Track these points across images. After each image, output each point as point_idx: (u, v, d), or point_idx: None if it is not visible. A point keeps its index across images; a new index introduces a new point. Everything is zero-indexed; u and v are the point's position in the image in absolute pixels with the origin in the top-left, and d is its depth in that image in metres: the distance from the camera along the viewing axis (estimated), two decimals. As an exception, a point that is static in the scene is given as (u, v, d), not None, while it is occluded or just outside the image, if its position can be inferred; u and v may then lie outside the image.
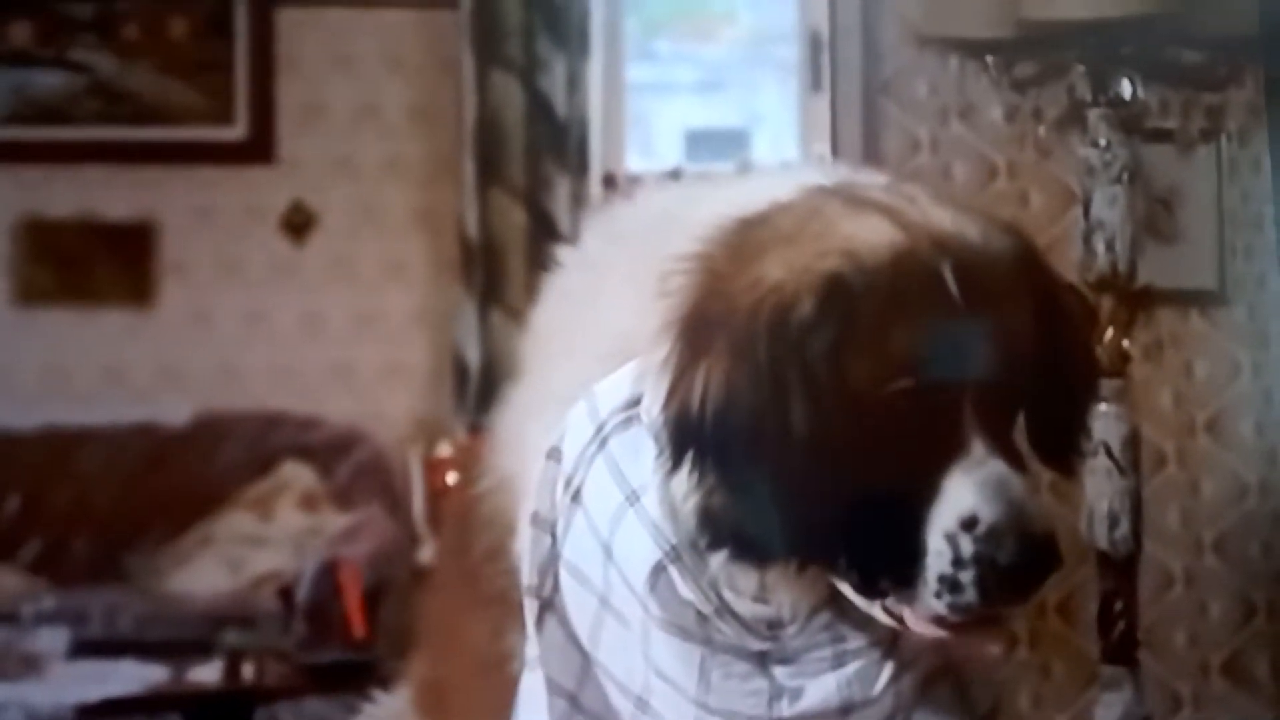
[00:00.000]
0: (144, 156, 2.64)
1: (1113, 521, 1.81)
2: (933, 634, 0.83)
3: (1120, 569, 1.83)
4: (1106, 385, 1.87)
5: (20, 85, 2.67)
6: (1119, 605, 1.82)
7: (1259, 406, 2.01)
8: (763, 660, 0.89)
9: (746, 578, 0.86)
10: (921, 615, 0.83)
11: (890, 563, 0.83)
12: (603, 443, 0.90)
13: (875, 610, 0.84)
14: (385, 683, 1.23)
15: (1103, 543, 1.81)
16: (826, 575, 0.84)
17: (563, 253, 1.03)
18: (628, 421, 0.89)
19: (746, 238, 0.89)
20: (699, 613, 0.88)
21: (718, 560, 0.86)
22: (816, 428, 0.86)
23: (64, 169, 2.65)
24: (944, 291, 0.84)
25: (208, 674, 2.09)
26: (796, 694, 0.89)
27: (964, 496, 0.82)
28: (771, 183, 0.96)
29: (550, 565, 0.94)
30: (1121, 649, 1.81)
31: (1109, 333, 1.88)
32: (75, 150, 2.65)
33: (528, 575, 0.95)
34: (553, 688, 0.94)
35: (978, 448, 0.83)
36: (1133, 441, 1.82)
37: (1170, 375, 2.03)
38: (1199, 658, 1.98)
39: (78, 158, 2.65)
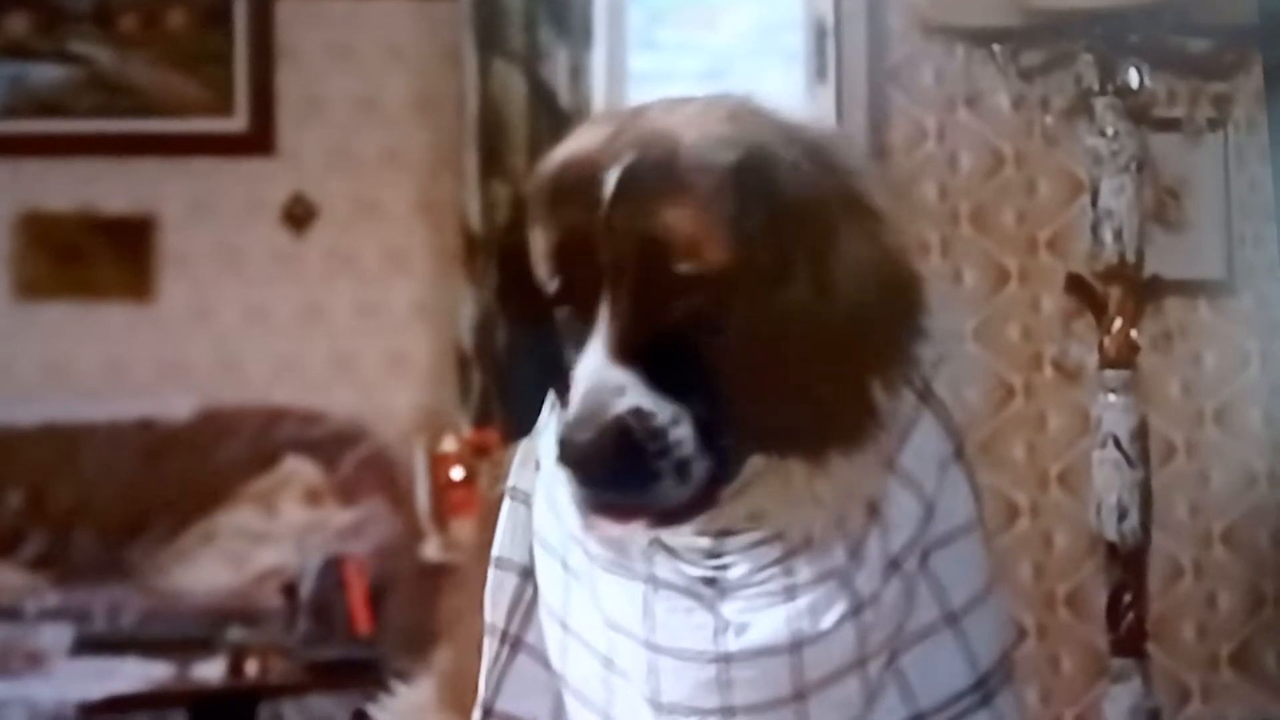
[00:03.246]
0: (143, 149, 2.63)
1: (1121, 513, 1.81)
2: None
3: (1129, 560, 1.83)
4: (1114, 376, 1.86)
5: (18, 78, 2.65)
6: (1128, 597, 1.82)
7: (1268, 396, 2.00)
8: (707, 595, 0.89)
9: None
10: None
11: None
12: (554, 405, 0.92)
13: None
14: (391, 678, 1.23)
15: (1111, 534, 1.80)
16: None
17: None
18: None
19: None
20: (637, 545, 0.89)
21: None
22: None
23: (62, 162, 2.64)
24: (592, 189, 0.83)
25: (211, 671, 2.08)
26: (743, 628, 0.88)
27: (574, 389, 0.83)
28: None
29: (528, 538, 0.94)
30: (1130, 641, 1.81)
31: (1117, 323, 1.87)
32: (74, 143, 2.63)
33: (505, 549, 0.95)
34: (549, 665, 0.95)
35: (596, 343, 0.83)
36: (1141, 432, 1.82)
37: (1179, 366, 2.02)
38: (1208, 649, 1.98)
39: (76, 150, 2.63)
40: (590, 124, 0.89)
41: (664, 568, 0.89)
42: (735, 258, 0.83)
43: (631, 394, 0.83)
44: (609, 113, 0.90)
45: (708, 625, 0.88)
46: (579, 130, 0.90)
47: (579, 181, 0.85)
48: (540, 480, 0.94)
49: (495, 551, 0.96)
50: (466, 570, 1.11)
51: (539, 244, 0.85)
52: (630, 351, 0.83)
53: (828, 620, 0.87)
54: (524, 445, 0.95)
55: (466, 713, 1.04)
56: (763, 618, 0.88)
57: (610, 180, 0.84)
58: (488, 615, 0.96)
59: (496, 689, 0.95)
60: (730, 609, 0.88)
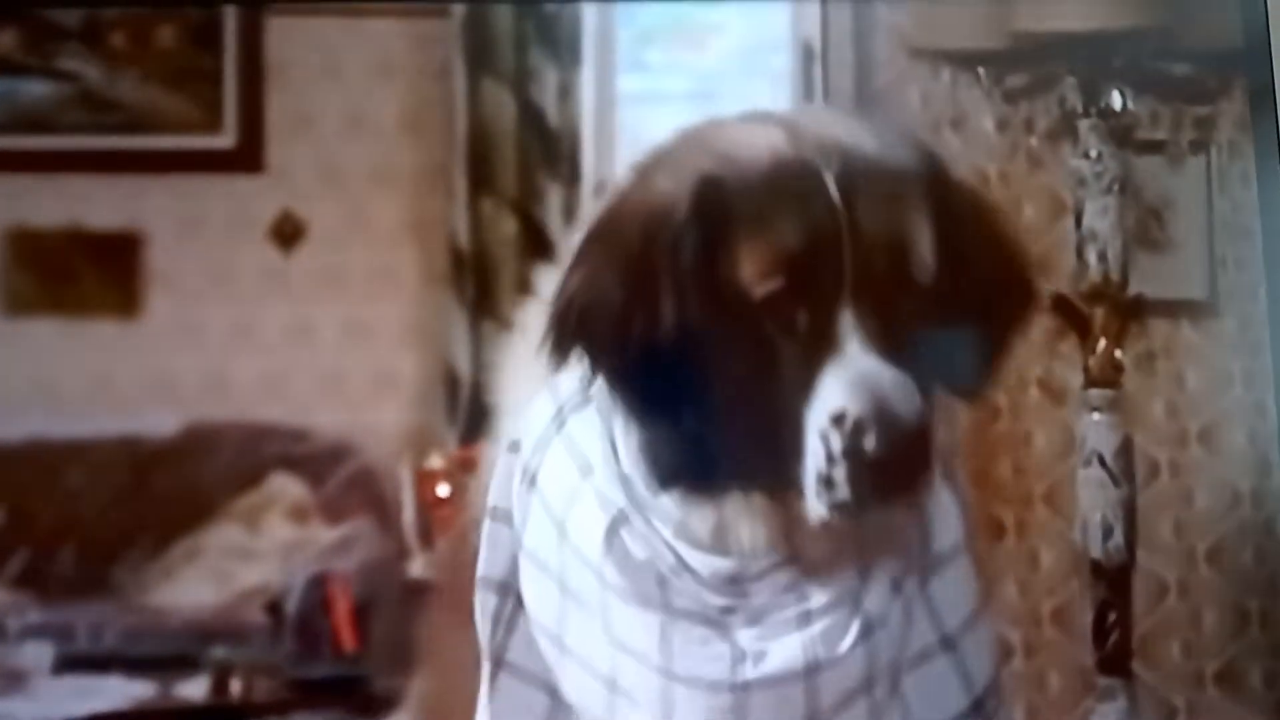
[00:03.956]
0: (131, 165, 2.63)
1: (1106, 531, 1.83)
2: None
3: (1114, 579, 1.85)
4: (1099, 396, 1.89)
5: (6, 94, 2.65)
6: (1113, 615, 1.84)
7: (1251, 416, 2.03)
8: (725, 624, 0.89)
9: (701, 520, 0.86)
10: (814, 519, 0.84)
11: (780, 464, 0.81)
12: (561, 424, 0.91)
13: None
14: (377, 696, 1.22)
15: (1096, 553, 1.82)
16: (769, 498, 0.84)
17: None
18: (585, 400, 0.90)
19: (655, 156, 0.89)
20: (658, 574, 0.88)
21: (671, 506, 0.86)
22: (688, 323, 0.87)
23: (50, 178, 2.63)
24: (822, 193, 0.85)
25: (195, 689, 2.08)
26: (760, 656, 0.90)
27: (834, 393, 0.83)
28: None
29: (513, 557, 0.94)
30: (1116, 659, 1.82)
31: (1101, 343, 1.90)
32: (62, 159, 2.63)
33: (485, 567, 0.94)
34: (532, 680, 0.94)
35: (852, 345, 0.84)
36: (1125, 451, 1.85)
37: (1163, 385, 2.04)
38: (1193, 667, 1.99)
39: (64, 167, 2.63)
40: (741, 123, 0.90)
41: (682, 596, 0.89)
42: (938, 266, 0.85)
43: (915, 394, 0.82)
44: (747, 118, 0.90)
45: (725, 655, 0.88)
46: (728, 124, 0.90)
47: (796, 186, 0.86)
48: (541, 498, 0.94)
49: (479, 572, 0.96)
50: (442, 589, 1.12)
51: (757, 245, 0.85)
52: (895, 351, 0.83)
53: (843, 645, 0.87)
54: (503, 462, 0.95)
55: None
56: (779, 645, 0.88)
57: (831, 186, 0.82)
58: (480, 636, 0.96)
59: (488, 711, 0.95)
60: (747, 636, 0.88)
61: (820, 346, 0.84)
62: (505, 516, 1.00)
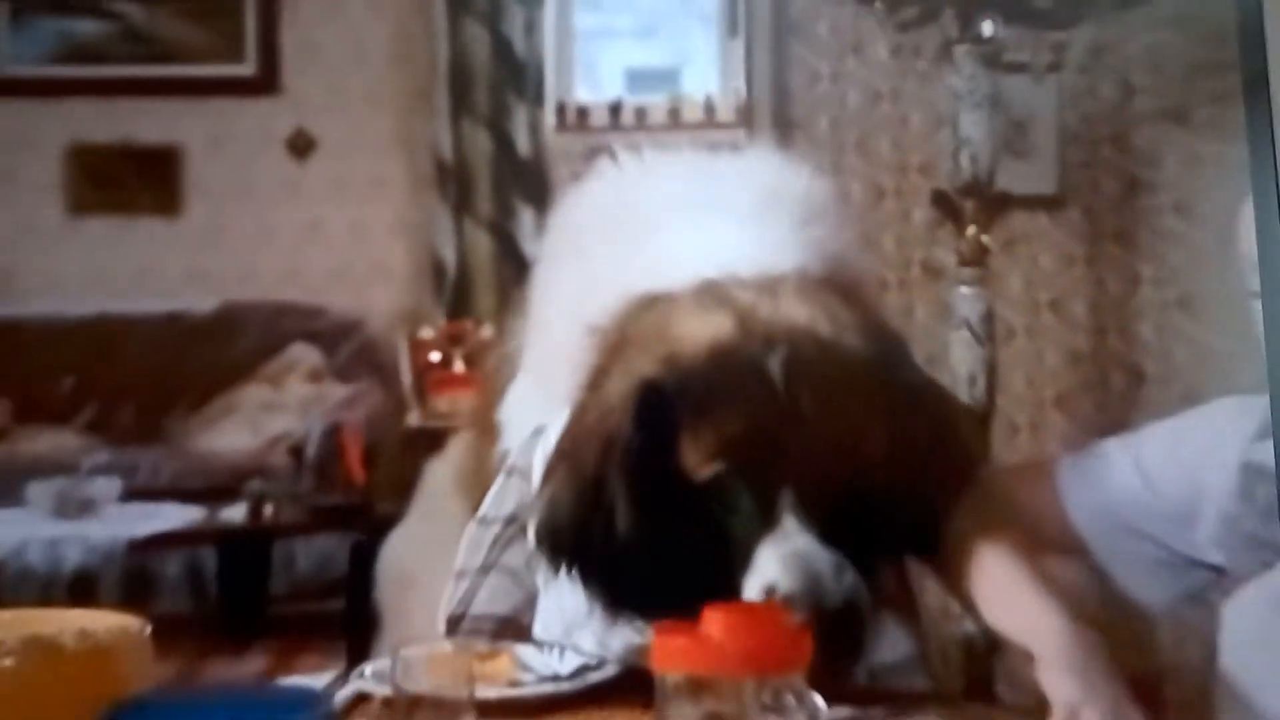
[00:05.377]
0: (170, 90, 2.89)
1: (971, 382, 2.18)
2: None
3: (979, 421, 2.19)
4: (969, 273, 2.24)
5: (63, 31, 2.92)
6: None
7: (1092, 290, 2.39)
8: None
9: None
10: None
11: None
12: None
13: None
14: (380, 520, 1.56)
15: (965, 399, 2.17)
16: None
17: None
18: None
19: (619, 343, 0.89)
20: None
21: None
22: (639, 525, 0.85)
23: (103, 102, 2.89)
24: (763, 379, 0.83)
25: (235, 514, 2.43)
26: None
27: (768, 568, 0.83)
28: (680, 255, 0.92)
29: (522, 502, 1.00)
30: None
31: (972, 230, 2.25)
32: (112, 86, 2.88)
33: (493, 509, 1.00)
34: (521, 583, 1.03)
35: (789, 523, 0.83)
36: (989, 318, 2.20)
37: (1020, 264, 2.40)
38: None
39: (114, 92, 2.89)
40: (695, 309, 0.86)
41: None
42: (890, 443, 0.84)
43: (849, 573, 0.82)
44: (698, 294, 0.86)
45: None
46: (682, 310, 0.85)
47: (739, 374, 0.84)
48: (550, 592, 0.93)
49: (480, 513, 1.02)
50: (473, 419, 1.20)
51: (700, 433, 0.84)
52: (832, 531, 0.82)
53: None
54: (529, 441, 1.00)
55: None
56: None
57: (776, 373, 0.84)
58: (460, 563, 0.99)
59: (468, 603, 1.01)
60: None
61: (759, 523, 0.83)
62: (523, 474, 1.02)
